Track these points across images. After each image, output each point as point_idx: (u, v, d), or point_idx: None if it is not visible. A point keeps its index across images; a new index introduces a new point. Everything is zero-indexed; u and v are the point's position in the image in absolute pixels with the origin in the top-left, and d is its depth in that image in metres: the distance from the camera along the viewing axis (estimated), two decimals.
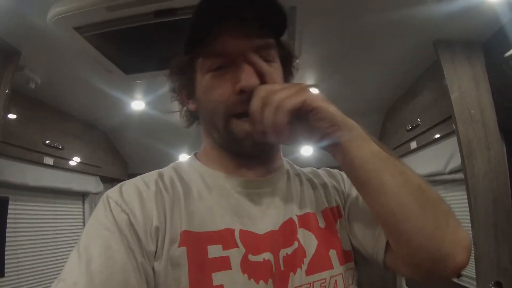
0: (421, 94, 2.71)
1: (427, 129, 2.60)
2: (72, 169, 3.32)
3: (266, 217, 0.78)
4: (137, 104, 3.08)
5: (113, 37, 1.85)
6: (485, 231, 1.94)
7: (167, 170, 0.83)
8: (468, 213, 1.99)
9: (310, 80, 2.78)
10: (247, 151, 0.78)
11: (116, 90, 2.75)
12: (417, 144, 2.80)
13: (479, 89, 2.11)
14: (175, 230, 0.70)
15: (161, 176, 0.79)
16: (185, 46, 0.78)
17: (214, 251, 0.69)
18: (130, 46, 2.00)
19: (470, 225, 1.97)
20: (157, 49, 1.97)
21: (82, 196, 3.64)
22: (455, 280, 0.83)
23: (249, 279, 0.69)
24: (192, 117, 0.91)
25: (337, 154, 0.75)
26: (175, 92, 0.90)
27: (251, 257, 0.71)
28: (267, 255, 0.72)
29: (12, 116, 2.50)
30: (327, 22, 2.01)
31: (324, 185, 0.92)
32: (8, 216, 2.58)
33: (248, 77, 0.72)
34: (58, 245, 3.10)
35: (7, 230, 2.55)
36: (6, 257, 2.50)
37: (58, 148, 3.03)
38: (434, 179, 2.69)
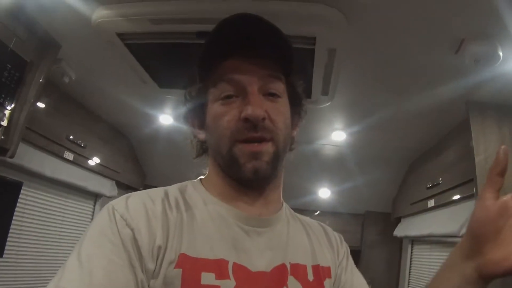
0: (446, 152, 2.68)
1: (447, 189, 2.57)
2: (90, 169, 3.35)
3: (261, 256, 0.78)
4: (165, 118, 3.12)
5: (154, 49, 1.91)
6: None
7: (172, 190, 0.83)
8: None
9: (338, 123, 2.80)
10: (247, 175, 0.78)
11: (146, 102, 2.80)
12: (435, 202, 2.76)
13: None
14: (175, 251, 0.70)
15: (166, 195, 0.80)
16: (198, 74, 0.85)
17: (207, 278, 0.69)
18: (168, 61, 2.03)
19: None
20: (195, 68, 2.00)
21: (95, 196, 3.66)
22: None
23: None
24: (202, 148, 0.92)
25: None
26: (187, 122, 0.91)
27: None
28: None
29: (41, 105, 2.55)
30: (362, 70, 2.03)
31: (321, 243, 0.93)
32: (18, 201, 2.61)
33: (253, 107, 0.75)
34: (62, 238, 3.11)
35: (15, 214, 2.58)
36: (8, 239, 2.52)
37: (80, 146, 3.08)
38: (447, 241, 2.64)
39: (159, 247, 0.69)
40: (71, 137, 2.95)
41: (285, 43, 0.82)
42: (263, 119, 0.76)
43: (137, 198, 0.75)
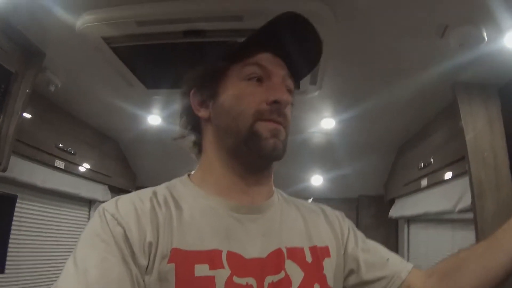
0: (435, 133, 2.72)
1: (439, 168, 2.60)
2: (82, 175, 3.33)
3: (255, 243, 0.80)
4: (154, 119, 3.11)
5: (140, 51, 1.90)
6: None
7: (160, 189, 0.85)
8: None
9: (327, 111, 2.81)
10: (267, 151, 0.81)
11: (134, 103, 2.78)
12: (428, 182, 2.80)
13: (493, 132, 2.11)
14: (166, 246, 0.72)
15: (155, 194, 0.82)
16: (228, 52, 0.89)
17: (201, 270, 0.71)
18: (155, 62, 2.03)
19: None
20: (182, 67, 1.99)
21: (89, 203, 3.64)
22: None
23: None
24: (192, 127, 0.95)
25: None
26: (187, 96, 0.93)
27: (236, 279, 0.73)
28: (250, 280, 0.74)
29: (28, 115, 2.51)
30: (349, 59, 2.05)
31: (318, 223, 0.95)
32: (14, 214, 2.58)
33: (283, 93, 0.83)
34: (60, 248, 3.08)
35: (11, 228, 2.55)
36: (7, 254, 2.49)
37: (70, 153, 3.04)
38: (443, 218, 2.68)
39: (150, 244, 0.71)
40: (60, 145, 2.92)
41: (316, 61, 0.95)
42: (286, 107, 0.84)
43: (126, 198, 0.78)
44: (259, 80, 0.85)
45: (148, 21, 1.64)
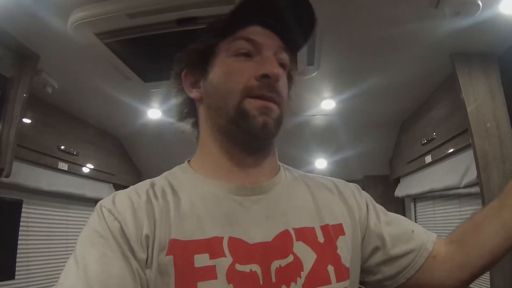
0: (436, 107, 2.70)
1: (442, 142, 2.59)
2: (86, 176, 3.34)
3: (259, 226, 0.76)
4: (154, 113, 3.11)
5: (134, 44, 1.88)
6: None
7: (159, 180, 0.83)
8: None
9: (327, 92, 2.80)
10: (256, 129, 0.77)
11: (133, 98, 2.78)
12: (432, 158, 2.79)
13: (494, 102, 2.10)
14: (164, 238, 0.70)
15: (152, 185, 0.80)
16: (215, 28, 0.84)
17: (201, 260, 0.69)
18: (150, 54, 2.01)
19: None
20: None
21: (95, 203, 3.60)
22: None
23: None
24: (188, 109, 0.92)
25: None
26: (178, 78, 0.90)
27: (238, 267, 0.70)
28: (254, 267, 0.71)
29: (27, 120, 2.52)
30: (344, 35, 2.03)
31: (329, 200, 0.89)
32: (21, 219, 2.58)
33: (273, 66, 0.78)
34: (69, 250, 3.07)
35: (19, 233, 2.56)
36: (17, 259, 2.50)
37: (73, 154, 3.05)
38: (449, 193, 2.67)
39: (147, 236, 0.70)
40: (62, 147, 2.93)
41: (311, 28, 0.86)
42: (277, 81, 0.78)
43: (123, 193, 0.77)
44: (249, 55, 0.81)
45: (140, 13, 1.62)
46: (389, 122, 3.52)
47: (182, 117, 0.93)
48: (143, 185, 0.80)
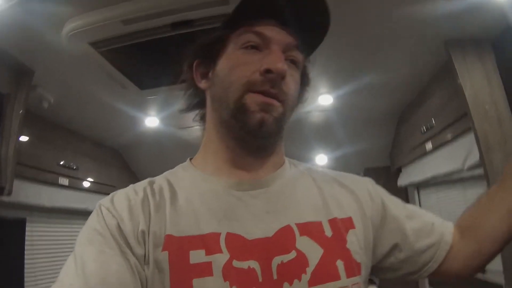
0: (433, 95, 2.71)
1: (442, 129, 2.60)
2: (87, 189, 3.32)
3: (259, 221, 0.75)
4: (151, 121, 3.10)
5: (129, 51, 1.87)
6: None
7: (158, 178, 0.84)
8: None
9: (323, 88, 2.79)
10: (254, 126, 0.76)
11: (129, 107, 2.77)
12: (432, 145, 2.79)
13: (491, 85, 2.11)
14: (159, 233, 0.70)
15: (151, 183, 0.81)
16: (226, 21, 0.83)
17: (197, 256, 0.68)
18: (146, 61, 2.01)
19: None
20: (173, 63, 1.98)
21: None
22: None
23: (231, 287, 0.67)
24: (196, 100, 0.92)
25: None
26: (190, 68, 0.90)
27: (236, 263, 0.69)
28: (252, 263, 0.69)
29: (25, 137, 2.51)
30: (339, 27, 2.02)
31: (337, 193, 0.87)
32: (26, 237, 2.57)
33: (278, 61, 0.75)
34: None
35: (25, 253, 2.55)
36: (25, 278, 2.49)
37: (72, 168, 3.04)
38: (452, 178, 2.68)
39: (143, 232, 0.70)
40: (61, 162, 2.91)
41: (325, 29, 0.85)
42: (283, 78, 0.76)
43: (121, 192, 0.78)
44: (256, 48, 0.79)
45: (134, 18, 1.61)
46: (387, 114, 3.51)
47: (190, 108, 0.94)
48: (142, 183, 0.81)
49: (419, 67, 2.55)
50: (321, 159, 4.19)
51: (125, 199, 0.75)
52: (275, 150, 0.87)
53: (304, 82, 0.90)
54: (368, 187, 0.92)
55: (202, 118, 0.92)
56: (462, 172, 2.43)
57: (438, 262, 0.86)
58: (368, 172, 4.31)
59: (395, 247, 0.86)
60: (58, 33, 1.71)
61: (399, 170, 3.80)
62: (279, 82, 0.76)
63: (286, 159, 0.92)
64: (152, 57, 1.95)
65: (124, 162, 4.13)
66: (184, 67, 0.91)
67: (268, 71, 0.74)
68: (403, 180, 3.62)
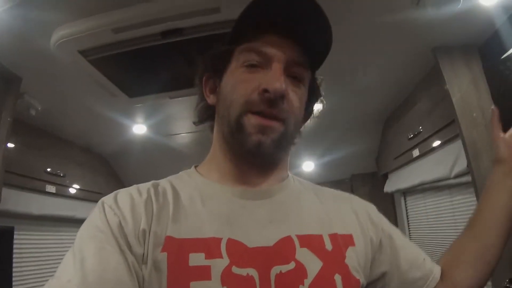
0: (420, 101, 2.72)
1: (429, 136, 2.61)
2: (75, 197, 3.28)
3: (261, 230, 0.75)
4: (139, 128, 3.09)
5: (118, 59, 1.86)
6: None
7: (162, 181, 0.84)
8: None
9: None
10: (251, 148, 0.77)
11: (117, 114, 2.76)
12: (419, 151, 2.81)
13: (478, 91, 2.13)
14: (160, 234, 0.70)
15: (155, 185, 0.81)
16: (230, 36, 0.83)
17: (196, 259, 0.68)
18: (135, 69, 2.00)
19: None
20: (162, 71, 1.98)
21: None
22: None
23: None
24: (206, 114, 0.92)
25: None
26: (200, 82, 0.91)
27: (235, 269, 0.68)
28: (251, 271, 0.69)
29: (11, 144, 2.47)
30: None
31: (341, 211, 0.88)
32: (14, 247, 2.53)
33: (275, 81, 0.74)
34: None
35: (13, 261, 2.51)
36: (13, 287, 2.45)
37: (59, 176, 3.01)
38: (439, 185, 2.70)
39: (144, 231, 0.70)
40: (48, 169, 2.88)
41: (328, 41, 0.83)
42: (282, 97, 0.76)
43: (125, 191, 0.78)
44: (257, 66, 0.79)
45: (124, 27, 1.60)
46: (373, 119, 3.53)
47: (202, 121, 0.94)
48: (146, 184, 0.81)
49: (406, 73, 2.57)
50: (308, 166, 4.19)
51: (128, 198, 0.75)
52: (279, 165, 0.88)
53: (312, 95, 0.91)
54: (369, 211, 0.93)
55: (212, 130, 0.92)
56: (449, 179, 2.45)
57: None
58: (354, 178, 4.33)
59: (383, 275, 0.88)
60: (46, 40, 1.69)
61: (385, 176, 3.82)
62: (279, 101, 0.75)
63: (290, 174, 0.93)
64: (141, 66, 1.95)
65: (112, 169, 4.10)
66: (196, 80, 0.92)
67: (265, 91, 0.74)
68: (390, 186, 3.64)
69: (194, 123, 0.97)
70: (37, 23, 1.64)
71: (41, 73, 2.09)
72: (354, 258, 0.79)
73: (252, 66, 0.79)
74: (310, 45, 0.81)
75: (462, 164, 2.22)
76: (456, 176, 2.37)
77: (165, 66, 1.96)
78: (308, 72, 0.85)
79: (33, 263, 2.75)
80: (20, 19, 1.61)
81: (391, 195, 3.86)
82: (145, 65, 1.95)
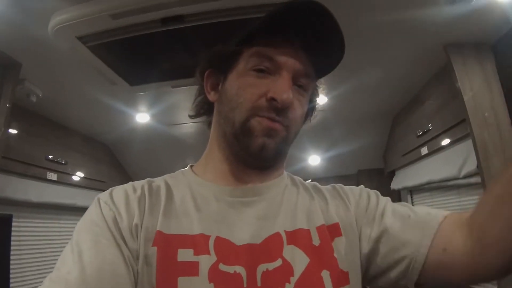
0: (430, 99, 2.67)
1: (438, 134, 2.56)
2: (76, 185, 3.28)
3: (248, 228, 0.75)
4: (142, 117, 3.07)
5: (118, 47, 1.82)
6: None
7: (157, 179, 0.85)
8: None
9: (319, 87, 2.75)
10: (255, 149, 0.77)
11: (120, 103, 2.73)
12: (428, 149, 2.76)
13: (491, 90, 2.08)
14: (151, 229, 0.72)
15: (149, 182, 0.82)
16: (241, 38, 0.81)
17: (184, 255, 0.69)
18: (136, 56, 1.96)
19: None
20: (163, 59, 1.94)
21: None
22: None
23: None
24: (204, 108, 0.92)
25: None
26: (202, 78, 0.90)
27: (222, 267, 0.69)
28: (238, 268, 0.70)
29: (13, 131, 2.46)
30: None
31: (328, 200, 0.86)
32: (12, 233, 2.53)
33: (284, 90, 0.75)
34: None
35: (11, 248, 2.50)
36: (11, 275, 2.44)
37: (61, 163, 2.99)
38: (447, 185, 2.64)
39: (136, 225, 0.71)
40: (50, 156, 2.87)
41: (339, 59, 0.82)
42: (288, 108, 0.76)
43: (121, 187, 0.79)
44: (266, 71, 0.78)
45: (123, 13, 1.55)
46: (382, 115, 3.50)
47: (199, 115, 0.94)
48: (141, 182, 0.83)
49: (416, 69, 2.52)
50: (314, 159, 4.16)
51: (123, 194, 0.76)
52: (276, 166, 0.88)
53: (312, 102, 0.91)
54: (356, 193, 0.89)
55: (209, 126, 0.93)
56: (458, 179, 2.40)
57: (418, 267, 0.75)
58: (361, 173, 4.30)
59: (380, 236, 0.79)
60: (45, 26, 1.66)
61: (392, 173, 3.78)
62: (285, 110, 0.77)
63: (285, 172, 0.93)
64: (142, 52, 1.91)
65: (114, 158, 4.09)
66: (196, 73, 0.91)
67: (273, 99, 0.75)
68: (397, 183, 3.60)
69: (190, 116, 0.96)
70: (35, 8, 1.61)
71: (41, 59, 2.06)
72: (341, 250, 0.78)
73: (260, 71, 0.79)
74: (321, 60, 0.82)
75: (471, 165, 2.17)
76: (465, 177, 2.32)
77: (166, 55, 1.93)
78: (314, 82, 0.86)
79: (32, 251, 2.73)
80: (17, 5, 1.59)
81: (397, 192, 3.82)
82: (146, 53, 1.92)
